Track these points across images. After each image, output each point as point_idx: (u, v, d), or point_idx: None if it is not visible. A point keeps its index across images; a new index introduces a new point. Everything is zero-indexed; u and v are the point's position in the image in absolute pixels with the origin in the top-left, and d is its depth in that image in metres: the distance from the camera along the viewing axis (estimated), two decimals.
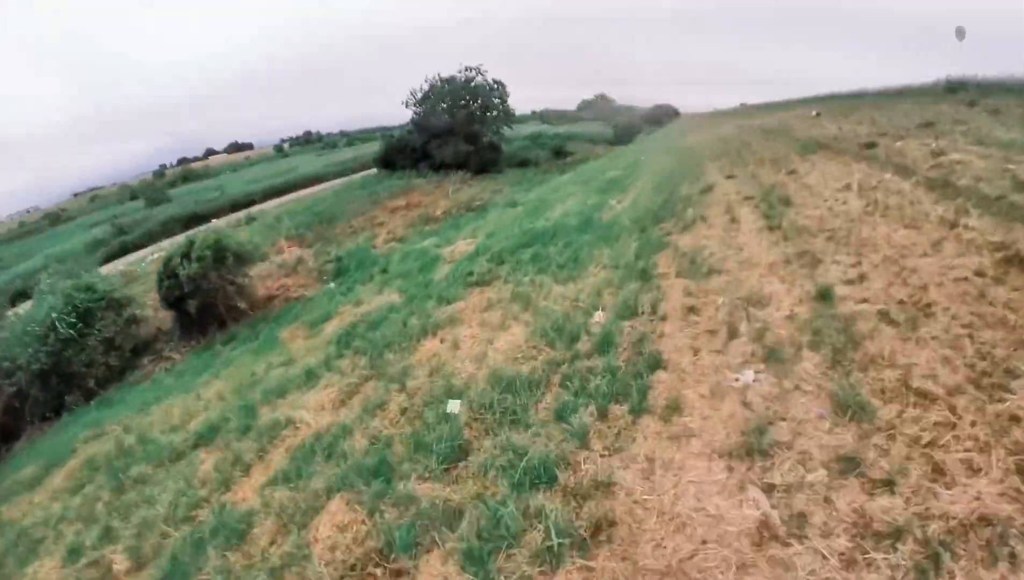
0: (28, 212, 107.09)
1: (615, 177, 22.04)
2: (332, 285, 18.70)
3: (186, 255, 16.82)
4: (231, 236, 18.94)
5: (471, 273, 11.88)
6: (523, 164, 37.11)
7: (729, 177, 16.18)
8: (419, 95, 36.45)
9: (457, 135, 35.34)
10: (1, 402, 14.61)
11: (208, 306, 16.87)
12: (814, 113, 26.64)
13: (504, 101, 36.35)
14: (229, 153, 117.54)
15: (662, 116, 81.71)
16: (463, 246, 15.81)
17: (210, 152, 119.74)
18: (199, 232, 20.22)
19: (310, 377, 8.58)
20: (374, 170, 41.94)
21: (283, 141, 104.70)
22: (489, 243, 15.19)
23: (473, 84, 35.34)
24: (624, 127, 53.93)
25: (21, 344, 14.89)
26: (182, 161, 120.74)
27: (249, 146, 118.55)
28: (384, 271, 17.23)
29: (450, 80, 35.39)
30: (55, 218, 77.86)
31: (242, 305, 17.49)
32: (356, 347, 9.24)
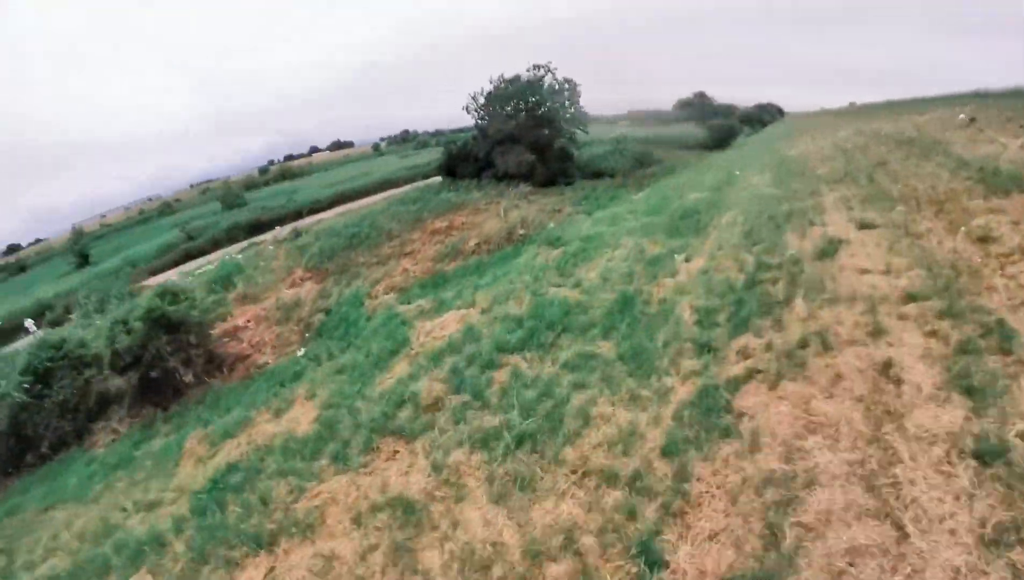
0: (150, 200, 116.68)
1: (695, 204, 16.79)
2: (300, 353, 15.24)
3: (125, 322, 15.20)
4: (183, 293, 16.47)
5: (402, 402, 7.75)
6: (599, 175, 32.01)
7: (865, 227, 10.64)
8: (481, 98, 32.44)
9: (521, 142, 30.98)
10: None
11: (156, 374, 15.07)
12: (965, 117, 19.63)
13: (575, 103, 31.46)
14: (331, 151, 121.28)
15: (765, 117, 72.51)
16: (449, 323, 11.59)
17: (313, 149, 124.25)
18: (161, 285, 17.76)
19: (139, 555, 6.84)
20: (439, 178, 38.54)
21: (381, 140, 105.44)
22: (477, 326, 10.90)
23: (541, 84, 30.78)
24: (720, 129, 46.68)
25: None
26: (288, 158, 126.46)
27: (350, 144, 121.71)
28: (345, 348, 13.87)
29: (514, 80, 31.04)
30: (167, 208, 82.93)
31: (187, 378, 15.49)
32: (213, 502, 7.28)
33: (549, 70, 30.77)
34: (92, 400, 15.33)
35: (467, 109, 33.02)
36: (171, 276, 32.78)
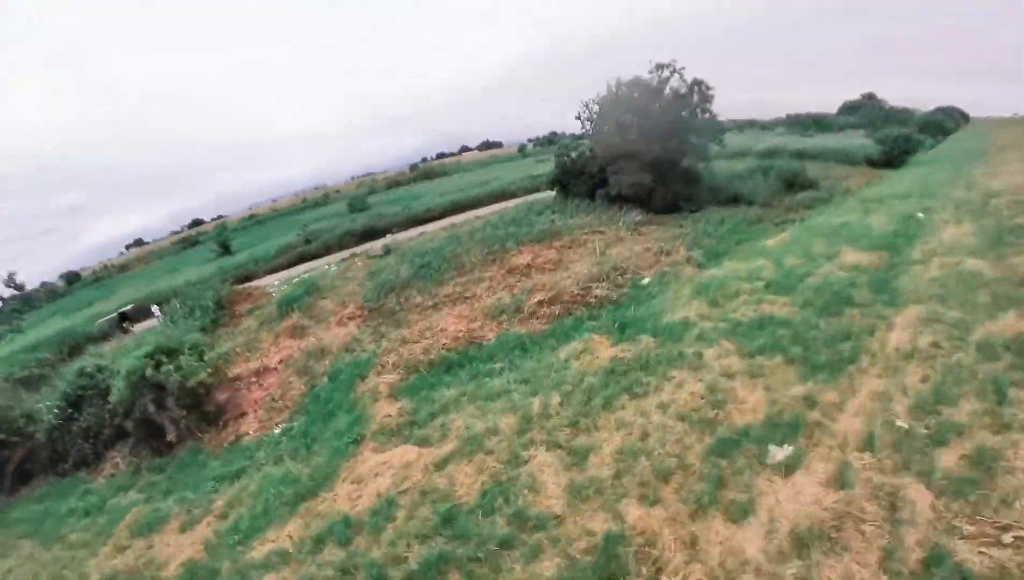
0: (316, 188, 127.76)
1: (849, 281, 10.85)
2: (278, 431, 13.02)
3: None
4: (177, 351, 16.27)
5: None
6: (734, 200, 25.51)
7: None
8: (594, 105, 27.48)
9: (639, 158, 25.65)
10: (19, 455, 16.59)
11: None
12: None
13: (707, 111, 25.16)
14: (480, 150, 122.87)
15: (947, 123, 57.13)
16: (386, 468, 7.74)
17: (464, 149, 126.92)
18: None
19: None
20: (552, 193, 34.22)
21: (529, 141, 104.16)
22: (396, 501, 7.24)
23: (666, 88, 25.03)
24: (894, 141, 36.05)
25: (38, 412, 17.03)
26: (440, 156, 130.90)
27: (498, 145, 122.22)
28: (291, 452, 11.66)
29: (632, 84, 25.63)
30: (326, 198, 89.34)
31: (170, 437, 15.06)
32: None
33: (675, 70, 24.94)
34: (110, 431, 16.19)
35: (579, 118, 28.32)
36: (285, 276, 32.84)
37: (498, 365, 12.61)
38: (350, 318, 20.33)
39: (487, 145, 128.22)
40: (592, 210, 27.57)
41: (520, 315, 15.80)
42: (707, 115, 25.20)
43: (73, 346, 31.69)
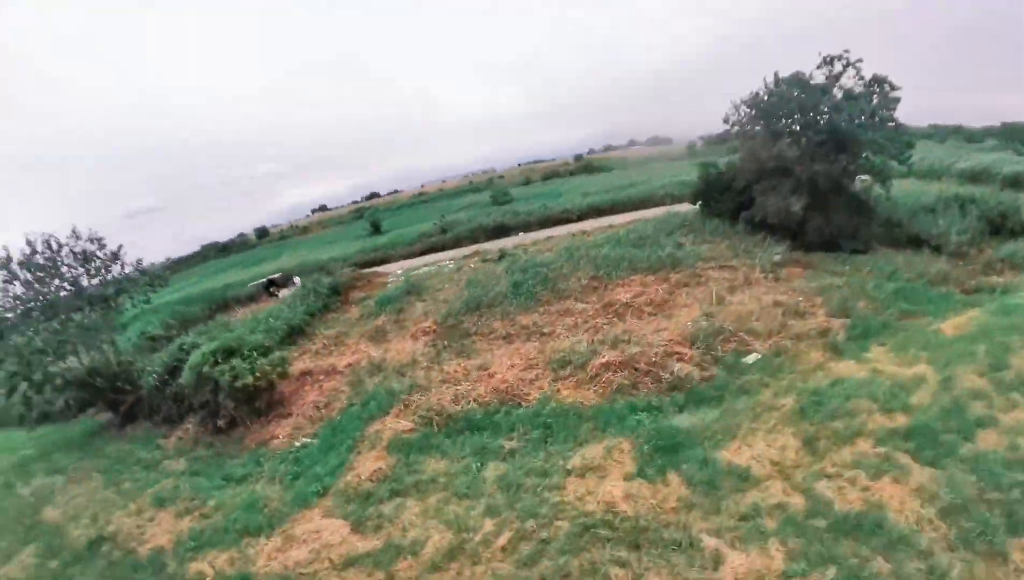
0: (484, 172, 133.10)
1: None
2: (298, 444, 14.04)
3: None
4: (236, 351, 16.91)
5: None
6: (916, 242, 19.36)
7: None
8: (745, 108, 22.64)
9: (794, 176, 20.66)
10: (130, 401, 19.76)
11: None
12: None
13: (889, 117, 18.99)
14: (647, 146, 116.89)
15: None
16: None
17: (631, 143, 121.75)
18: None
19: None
20: (695, 208, 29.66)
21: (700, 138, 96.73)
22: None
23: (835, 87, 19.42)
24: None
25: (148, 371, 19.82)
26: (606, 149, 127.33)
27: (667, 141, 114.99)
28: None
29: (793, 81, 20.31)
30: (490, 182, 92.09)
31: (220, 423, 16.56)
32: None
33: (849, 63, 19.27)
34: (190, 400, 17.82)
35: (727, 121, 23.73)
36: (409, 265, 33.46)
37: (508, 445, 10.49)
38: (423, 334, 19.24)
39: (656, 141, 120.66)
40: (731, 236, 23.19)
41: (581, 374, 13.09)
42: (890, 123, 19.22)
43: (220, 305, 35.17)
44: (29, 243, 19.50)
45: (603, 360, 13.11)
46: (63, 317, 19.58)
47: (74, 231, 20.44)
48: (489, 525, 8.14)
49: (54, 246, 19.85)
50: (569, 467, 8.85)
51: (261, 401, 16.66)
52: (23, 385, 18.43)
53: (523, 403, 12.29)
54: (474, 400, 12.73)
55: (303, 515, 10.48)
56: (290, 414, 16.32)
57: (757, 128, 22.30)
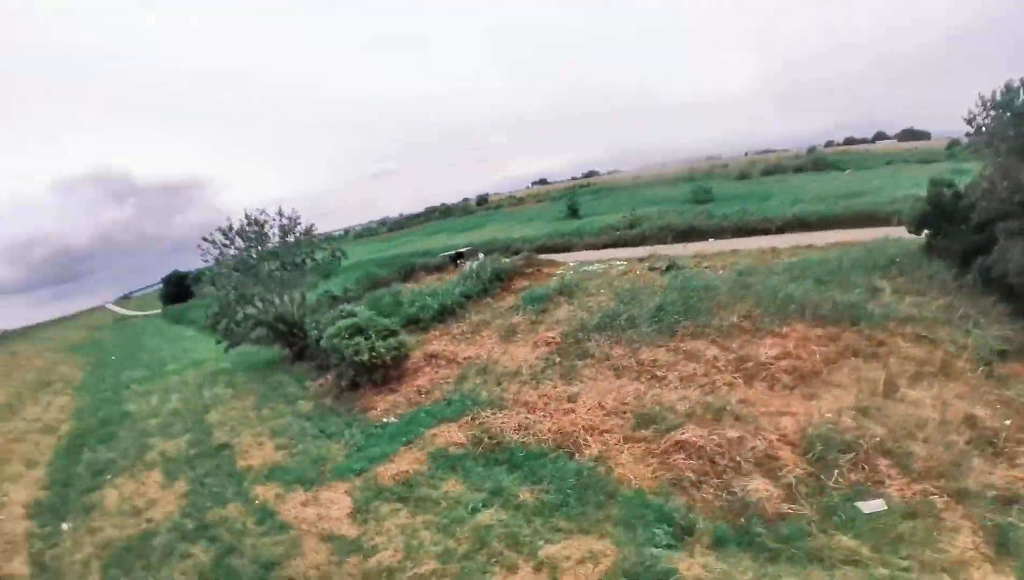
0: (708, 158, 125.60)
1: None
2: (383, 421, 16.18)
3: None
4: (364, 330, 19.50)
5: None
6: None
7: None
8: (983, 112, 16.68)
9: None
10: (299, 345, 25.29)
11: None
12: None
13: None
14: (900, 140, 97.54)
15: None
16: None
17: (878, 136, 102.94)
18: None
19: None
20: (918, 237, 23.42)
21: (968, 135, 78.09)
22: None
23: None
24: None
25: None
26: (848, 141, 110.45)
27: (925, 135, 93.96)
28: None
29: None
30: (709, 171, 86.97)
31: (343, 383, 19.63)
32: None
33: None
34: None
35: (971, 122, 17.95)
36: (584, 257, 33.29)
37: (522, 497, 9.78)
38: (545, 343, 18.94)
39: (911, 134, 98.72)
40: (952, 290, 17.83)
41: (655, 444, 11.35)
42: None
43: (408, 271, 39.00)
44: (247, 216, 25.51)
45: (683, 436, 11.10)
46: (255, 274, 25.04)
47: (279, 210, 26.17)
48: (432, 563, 8.64)
49: (262, 220, 25.62)
50: (540, 556, 7.86)
51: (378, 374, 19.14)
52: (224, 321, 24.80)
53: (576, 455, 11.19)
54: (534, 434, 12.02)
55: (334, 485, 12.33)
56: (397, 391, 18.12)
57: (1010, 135, 16.50)
